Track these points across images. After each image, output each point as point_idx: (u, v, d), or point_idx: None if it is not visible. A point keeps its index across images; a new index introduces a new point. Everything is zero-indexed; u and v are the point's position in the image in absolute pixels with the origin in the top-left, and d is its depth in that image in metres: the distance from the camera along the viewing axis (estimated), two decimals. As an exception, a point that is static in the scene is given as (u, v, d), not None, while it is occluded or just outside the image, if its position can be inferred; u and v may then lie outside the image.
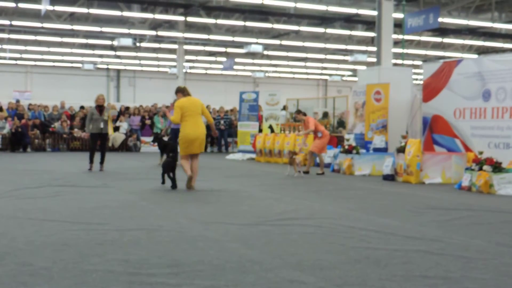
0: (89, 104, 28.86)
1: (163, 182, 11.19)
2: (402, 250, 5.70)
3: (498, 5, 26.86)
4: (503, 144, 12.90)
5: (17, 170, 14.52)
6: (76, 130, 24.07)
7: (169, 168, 10.79)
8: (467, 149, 13.74)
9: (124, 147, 24.15)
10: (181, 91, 11.05)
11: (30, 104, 26.34)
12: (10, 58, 40.35)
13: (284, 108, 23.87)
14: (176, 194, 10.04)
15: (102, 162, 14.66)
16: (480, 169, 11.20)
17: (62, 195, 9.56)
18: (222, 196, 9.84)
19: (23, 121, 23.08)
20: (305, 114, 15.31)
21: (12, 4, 25.29)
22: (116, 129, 23.87)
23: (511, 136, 12.80)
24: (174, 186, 10.60)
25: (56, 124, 23.96)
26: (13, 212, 7.73)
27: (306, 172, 14.47)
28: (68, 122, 24.27)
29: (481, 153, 11.69)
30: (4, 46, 36.40)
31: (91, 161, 14.55)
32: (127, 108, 26.47)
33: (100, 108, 14.54)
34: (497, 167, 11.07)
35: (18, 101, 27.96)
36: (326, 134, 14.92)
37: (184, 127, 10.59)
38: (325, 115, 23.25)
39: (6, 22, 28.89)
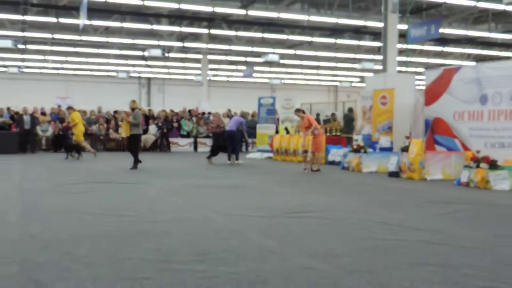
0: (124, 108, 29.09)
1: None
2: (406, 240, 5.69)
3: (495, 16, 26.61)
4: (498, 144, 12.82)
5: (59, 168, 14.66)
6: (111, 131, 24.23)
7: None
8: (466, 148, 13.67)
9: (154, 148, 24.28)
10: (72, 108, 18.79)
11: (70, 109, 26.50)
12: (52, 68, 40.80)
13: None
14: (202, 190, 10.08)
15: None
16: (478, 166, 11.12)
17: (99, 191, 9.63)
18: (243, 191, 9.86)
19: (64, 124, 23.29)
20: (304, 112, 15.29)
21: (54, 20, 25.53)
22: (146, 131, 24.06)
23: (506, 137, 12.72)
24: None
25: (94, 127, 24.12)
26: (56, 206, 7.81)
27: (317, 170, 14.41)
28: (105, 125, 24.43)
29: (478, 152, 11.60)
30: (47, 57, 36.78)
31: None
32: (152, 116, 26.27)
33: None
34: (493, 165, 10.98)
35: (59, 106, 28.18)
36: (321, 132, 14.85)
37: (79, 126, 17.87)
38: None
39: (49, 35, 29.17)
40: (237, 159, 16.92)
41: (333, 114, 24.04)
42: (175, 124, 25.20)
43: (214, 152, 17.32)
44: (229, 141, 17.04)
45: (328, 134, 20.44)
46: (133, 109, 14.56)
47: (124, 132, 14.73)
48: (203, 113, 27.60)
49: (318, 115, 24.70)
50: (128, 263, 4.67)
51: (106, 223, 6.49)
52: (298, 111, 15.26)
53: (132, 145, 14.76)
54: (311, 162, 14.47)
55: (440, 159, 12.97)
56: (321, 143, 14.78)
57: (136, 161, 14.59)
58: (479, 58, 35.66)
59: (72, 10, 24.01)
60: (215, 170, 14.61)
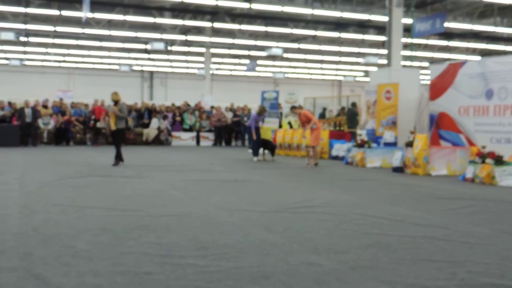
0: (128, 102, 29.06)
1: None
2: (410, 236, 5.66)
3: (500, 10, 26.49)
4: (504, 139, 12.76)
5: (60, 162, 14.64)
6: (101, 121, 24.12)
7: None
8: (471, 143, 13.62)
9: (156, 141, 24.26)
10: None
11: (72, 103, 26.52)
12: (55, 61, 40.82)
13: (300, 107, 23.73)
14: (203, 184, 10.06)
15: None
16: (483, 162, 11.07)
17: (100, 185, 9.63)
18: (245, 186, 9.84)
19: (66, 117, 23.29)
20: (301, 108, 15.40)
21: (56, 12, 25.51)
22: (147, 125, 24.05)
23: (512, 132, 12.67)
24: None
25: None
26: (57, 199, 7.81)
27: (315, 164, 14.36)
28: (107, 118, 24.36)
29: (484, 147, 11.56)
30: (49, 50, 36.80)
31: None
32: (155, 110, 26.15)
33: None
34: (498, 160, 10.94)
35: (61, 99, 28.18)
36: (319, 126, 14.82)
37: None
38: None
39: (51, 28, 29.15)
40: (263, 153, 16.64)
41: (342, 108, 24.02)
42: (178, 118, 25.18)
43: (258, 147, 16.79)
44: (250, 136, 17.22)
45: (337, 128, 20.51)
46: (116, 102, 13.38)
47: (113, 125, 13.50)
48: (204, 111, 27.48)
49: (324, 109, 24.66)
50: (128, 257, 4.65)
51: (107, 217, 6.48)
52: (294, 108, 15.52)
53: (118, 139, 13.82)
54: (314, 157, 14.44)
55: (445, 155, 12.92)
56: (318, 137, 14.73)
57: (119, 157, 13.68)
58: (484, 53, 35.53)
59: (74, 2, 23.97)
60: (217, 164, 14.58)
